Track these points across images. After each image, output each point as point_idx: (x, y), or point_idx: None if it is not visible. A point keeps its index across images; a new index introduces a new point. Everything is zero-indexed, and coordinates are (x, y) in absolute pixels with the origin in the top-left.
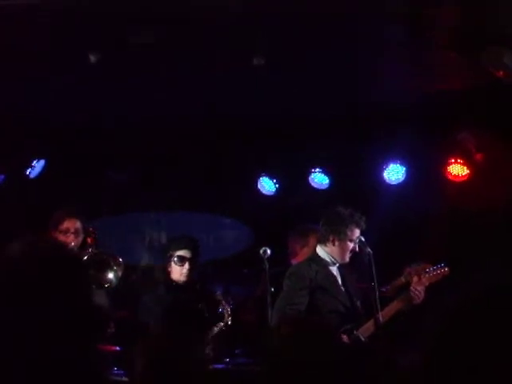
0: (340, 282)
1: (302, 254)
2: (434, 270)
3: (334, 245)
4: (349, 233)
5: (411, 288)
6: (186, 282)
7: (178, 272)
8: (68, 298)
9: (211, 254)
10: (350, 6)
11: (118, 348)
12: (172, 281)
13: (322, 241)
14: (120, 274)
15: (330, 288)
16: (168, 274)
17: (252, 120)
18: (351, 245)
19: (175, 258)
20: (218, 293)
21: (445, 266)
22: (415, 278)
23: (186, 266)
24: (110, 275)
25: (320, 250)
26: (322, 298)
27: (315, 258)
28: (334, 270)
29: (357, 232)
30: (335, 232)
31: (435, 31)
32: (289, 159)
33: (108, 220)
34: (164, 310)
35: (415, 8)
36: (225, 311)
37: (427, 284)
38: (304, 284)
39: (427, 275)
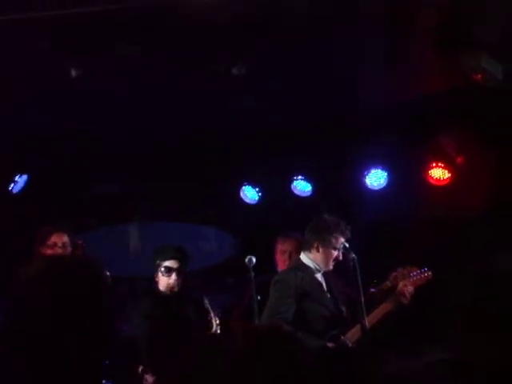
0: (325, 288)
1: (282, 261)
2: (417, 274)
3: (318, 252)
4: (333, 241)
5: (399, 288)
6: (173, 293)
7: (165, 282)
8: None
9: (195, 264)
10: (328, 11)
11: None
12: (159, 291)
13: (307, 248)
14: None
15: (315, 294)
16: (155, 284)
17: (234, 129)
18: (335, 253)
19: (162, 269)
20: (206, 302)
21: (428, 270)
22: (401, 283)
23: (173, 276)
24: None
25: (304, 257)
26: (308, 305)
27: (300, 265)
28: (319, 276)
29: (341, 240)
30: (320, 239)
31: (415, 35)
32: (271, 167)
33: (95, 233)
34: (152, 323)
35: (395, 12)
36: (213, 320)
37: (413, 288)
38: (290, 292)
39: (411, 279)
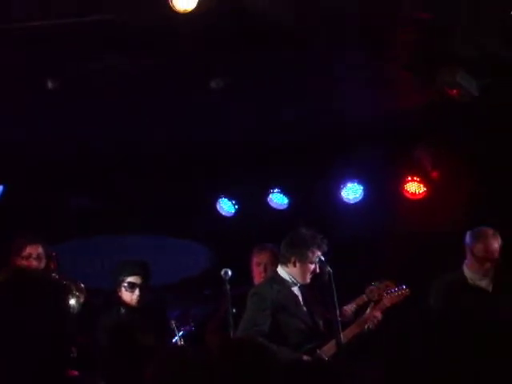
0: (302, 301)
1: (258, 273)
2: (395, 291)
3: (295, 266)
4: (310, 255)
5: (366, 315)
6: (137, 308)
7: (129, 298)
8: (45, 324)
9: (171, 277)
10: (308, 27)
11: (76, 373)
12: (124, 304)
13: (283, 262)
14: (82, 300)
15: (291, 308)
16: (119, 298)
17: (211, 142)
18: (312, 266)
19: (125, 284)
20: (172, 323)
21: (406, 287)
22: (378, 298)
23: (137, 292)
24: (72, 301)
25: (281, 271)
26: (285, 318)
27: (276, 278)
28: (296, 289)
29: (318, 253)
30: (297, 254)
31: (391, 52)
32: (247, 180)
33: (69, 245)
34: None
35: (372, 27)
36: (178, 340)
37: (389, 305)
38: (266, 305)
39: (388, 296)
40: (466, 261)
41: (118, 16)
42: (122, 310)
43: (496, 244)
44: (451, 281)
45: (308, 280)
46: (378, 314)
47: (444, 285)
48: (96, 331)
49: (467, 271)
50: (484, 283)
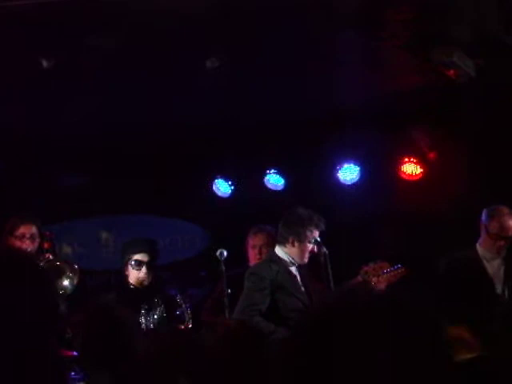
0: (300, 281)
1: (253, 255)
2: (391, 270)
3: (293, 246)
4: (308, 234)
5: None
6: (144, 286)
7: (136, 276)
8: (32, 302)
9: (167, 257)
10: (301, 8)
11: (74, 353)
12: (130, 284)
13: (281, 242)
14: (76, 281)
15: (290, 287)
16: (125, 277)
17: (206, 122)
18: (310, 246)
19: (132, 262)
20: (178, 296)
21: (401, 266)
22: (374, 279)
23: (144, 269)
24: (66, 282)
25: (279, 251)
26: (283, 298)
27: (274, 258)
28: (294, 269)
29: (316, 233)
30: (295, 234)
31: (387, 32)
32: (244, 161)
33: (63, 225)
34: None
35: (368, 8)
36: (186, 314)
37: (385, 284)
38: (264, 284)
39: (385, 275)
40: (480, 238)
41: None
42: (130, 288)
43: (511, 222)
44: (463, 257)
45: (306, 260)
46: (382, 286)
47: (455, 262)
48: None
49: (480, 249)
50: (496, 262)
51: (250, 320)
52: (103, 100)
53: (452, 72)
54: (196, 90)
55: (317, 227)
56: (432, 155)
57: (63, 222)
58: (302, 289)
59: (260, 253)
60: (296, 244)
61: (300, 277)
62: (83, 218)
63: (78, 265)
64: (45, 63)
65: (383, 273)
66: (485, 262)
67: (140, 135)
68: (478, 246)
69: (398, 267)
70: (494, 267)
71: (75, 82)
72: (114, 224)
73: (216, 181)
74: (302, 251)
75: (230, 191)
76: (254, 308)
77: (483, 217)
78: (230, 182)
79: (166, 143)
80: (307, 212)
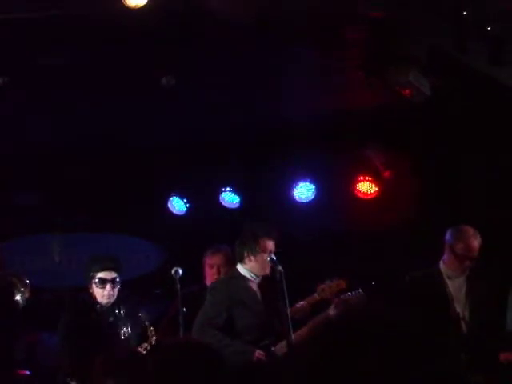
0: (259, 298)
1: (210, 275)
2: (351, 295)
3: (250, 261)
4: (262, 244)
5: (320, 316)
6: (108, 304)
7: (100, 294)
8: None
9: (122, 276)
10: (258, 25)
11: (27, 372)
12: (94, 302)
13: (240, 259)
14: (27, 295)
15: (249, 303)
16: (90, 295)
17: (162, 140)
18: (266, 255)
19: (96, 280)
20: (142, 313)
21: (361, 290)
22: (329, 298)
23: (108, 287)
24: (17, 297)
25: (240, 268)
26: (242, 313)
27: (235, 274)
28: (254, 286)
29: (268, 242)
30: (248, 248)
31: (343, 51)
32: (199, 179)
33: (16, 243)
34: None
35: (324, 25)
36: (149, 332)
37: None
38: (222, 298)
39: (345, 299)
40: (444, 257)
41: (68, 11)
42: (95, 306)
43: (476, 243)
44: (425, 275)
45: (267, 271)
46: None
47: (417, 279)
48: (58, 329)
49: (444, 267)
50: (459, 281)
51: (206, 332)
52: (56, 118)
53: (407, 91)
54: (150, 109)
55: (268, 235)
56: (387, 174)
57: (17, 238)
58: (262, 305)
59: (218, 272)
60: (252, 258)
61: (261, 294)
62: (37, 234)
63: (29, 280)
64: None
65: (344, 296)
66: (447, 280)
67: (95, 153)
68: (441, 263)
69: (358, 292)
70: (455, 286)
71: (27, 99)
72: (68, 241)
73: (171, 198)
74: (260, 263)
75: (185, 209)
76: (212, 322)
77: (448, 236)
78: (185, 200)
79: (121, 161)
80: (257, 224)
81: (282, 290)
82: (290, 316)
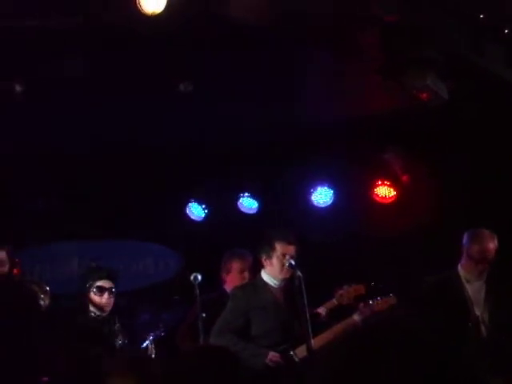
0: (282, 303)
1: (229, 281)
2: (380, 299)
3: (268, 265)
4: (277, 248)
5: (345, 322)
6: (105, 313)
7: (98, 302)
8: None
9: (141, 282)
10: (275, 31)
11: (46, 378)
12: (91, 311)
13: (261, 265)
14: (47, 302)
15: (269, 308)
16: (86, 304)
17: (180, 146)
18: (284, 259)
19: (94, 289)
20: (151, 335)
21: (392, 295)
22: (361, 305)
23: (105, 296)
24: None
25: (263, 274)
26: (260, 318)
27: (258, 280)
28: (276, 291)
29: (285, 246)
30: (264, 252)
31: (359, 56)
32: (217, 184)
33: (33, 250)
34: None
35: (342, 29)
36: (149, 345)
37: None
38: (242, 304)
39: (375, 303)
40: (462, 261)
41: (86, 18)
42: (91, 315)
43: (492, 245)
44: (444, 280)
45: (283, 274)
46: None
47: (436, 284)
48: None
49: (461, 270)
50: (477, 284)
51: (222, 336)
52: (74, 125)
53: (425, 95)
54: (169, 114)
55: (283, 240)
56: (405, 178)
57: (34, 247)
58: (283, 310)
59: (244, 277)
60: (269, 262)
61: (284, 298)
62: (56, 242)
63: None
64: (18, 87)
65: (372, 301)
66: (466, 283)
67: (114, 159)
68: (459, 267)
69: (389, 296)
70: (474, 289)
71: (47, 105)
72: (87, 248)
73: (190, 204)
74: (276, 267)
75: (203, 215)
76: (229, 326)
77: (464, 239)
78: (203, 206)
79: (140, 167)
80: (274, 229)
81: (302, 294)
82: (309, 320)
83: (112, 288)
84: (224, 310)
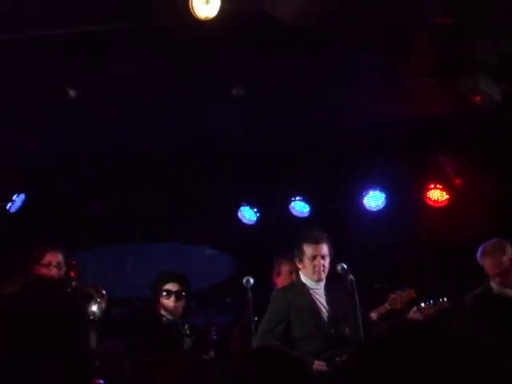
0: (324, 305)
1: (279, 283)
2: (430, 304)
3: (301, 267)
4: (304, 250)
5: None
6: (173, 316)
7: (165, 305)
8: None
9: (193, 285)
10: (326, 35)
11: (101, 381)
12: (160, 315)
13: (299, 268)
14: (104, 306)
15: (307, 310)
16: (156, 308)
17: (232, 149)
18: (313, 260)
19: (163, 293)
20: (211, 330)
21: (445, 299)
22: (414, 309)
23: (172, 299)
24: (94, 308)
25: (302, 276)
26: (300, 321)
27: (297, 282)
28: (316, 293)
29: (313, 247)
30: (296, 256)
31: (412, 59)
32: (269, 188)
33: (90, 252)
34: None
35: (393, 34)
36: (210, 346)
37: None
38: (281, 307)
39: (427, 308)
40: None
41: (138, 23)
42: (162, 319)
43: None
44: (479, 294)
45: (321, 276)
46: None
47: (474, 298)
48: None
49: (492, 283)
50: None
51: (266, 342)
52: (126, 127)
53: (478, 98)
54: (221, 118)
55: (309, 241)
56: (458, 181)
57: (89, 249)
58: (325, 313)
59: (293, 279)
60: (300, 265)
61: (327, 301)
62: (109, 245)
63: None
64: (72, 93)
65: (422, 307)
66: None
67: (166, 162)
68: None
69: (443, 300)
70: None
71: (98, 110)
72: (140, 251)
73: (241, 208)
74: (307, 268)
75: (255, 218)
76: (272, 331)
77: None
78: (255, 209)
79: (192, 170)
80: (302, 231)
81: (354, 299)
82: (361, 325)
83: (180, 291)
84: (266, 312)
